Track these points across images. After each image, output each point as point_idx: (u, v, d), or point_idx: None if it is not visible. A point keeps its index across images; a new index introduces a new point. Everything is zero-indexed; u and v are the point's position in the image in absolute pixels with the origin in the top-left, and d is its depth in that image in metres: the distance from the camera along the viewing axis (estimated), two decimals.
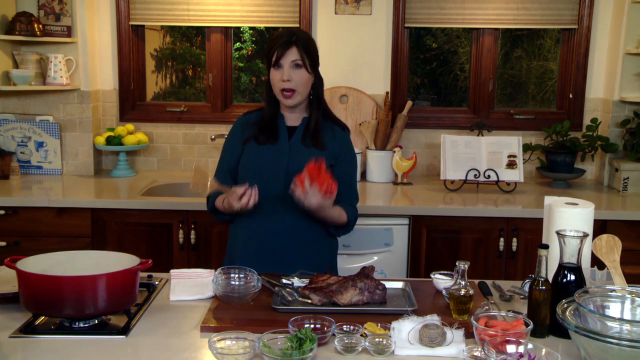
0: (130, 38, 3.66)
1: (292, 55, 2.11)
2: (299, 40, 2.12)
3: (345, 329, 1.60)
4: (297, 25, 3.57)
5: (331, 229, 2.23)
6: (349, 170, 2.25)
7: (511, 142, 3.38)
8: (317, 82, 2.21)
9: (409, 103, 3.57)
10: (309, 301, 1.79)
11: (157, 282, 1.99)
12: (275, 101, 2.21)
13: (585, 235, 1.66)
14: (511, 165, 3.35)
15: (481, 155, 3.37)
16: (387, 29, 3.60)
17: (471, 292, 1.72)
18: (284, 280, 1.94)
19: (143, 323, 1.71)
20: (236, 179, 2.22)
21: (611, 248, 1.77)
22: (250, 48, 4.11)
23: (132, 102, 3.73)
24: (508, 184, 3.37)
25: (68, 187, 3.30)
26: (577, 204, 1.86)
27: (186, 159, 3.75)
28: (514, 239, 3.01)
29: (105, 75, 3.67)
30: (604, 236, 1.81)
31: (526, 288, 1.95)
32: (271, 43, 2.15)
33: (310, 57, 2.14)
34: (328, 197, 1.99)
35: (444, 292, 1.86)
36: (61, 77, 3.40)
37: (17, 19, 3.32)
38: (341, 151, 2.22)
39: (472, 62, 3.75)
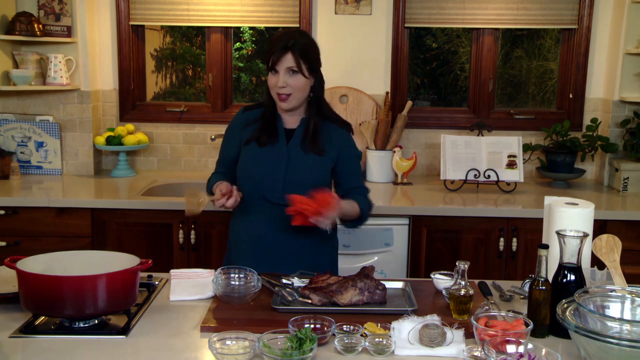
0: (130, 38, 3.65)
1: (288, 61, 2.09)
2: (296, 45, 2.09)
3: (345, 329, 1.60)
4: (297, 25, 3.57)
5: (347, 224, 2.22)
6: (352, 159, 2.23)
7: (511, 142, 3.38)
8: (317, 85, 2.18)
9: (409, 103, 3.57)
10: (309, 301, 1.79)
11: (157, 282, 1.99)
12: (274, 102, 2.21)
13: (585, 235, 1.66)
14: (511, 165, 3.35)
15: (481, 155, 3.37)
16: (387, 29, 3.60)
17: (471, 292, 1.72)
18: (284, 280, 1.95)
19: (143, 323, 1.71)
20: (234, 172, 2.23)
21: (611, 248, 1.77)
22: (250, 48, 4.11)
23: (132, 102, 3.73)
24: (508, 184, 3.37)
25: (68, 187, 3.30)
26: (577, 204, 1.86)
27: (186, 159, 3.75)
28: (514, 239, 3.01)
29: (105, 75, 3.67)
30: (604, 236, 1.81)
31: (526, 288, 1.95)
32: (269, 46, 2.13)
33: (308, 61, 2.11)
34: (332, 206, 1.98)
35: (444, 292, 1.86)
36: (61, 77, 3.40)
37: (17, 19, 3.31)
38: (342, 149, 2.21)
39: (472, 62, 3.74)
